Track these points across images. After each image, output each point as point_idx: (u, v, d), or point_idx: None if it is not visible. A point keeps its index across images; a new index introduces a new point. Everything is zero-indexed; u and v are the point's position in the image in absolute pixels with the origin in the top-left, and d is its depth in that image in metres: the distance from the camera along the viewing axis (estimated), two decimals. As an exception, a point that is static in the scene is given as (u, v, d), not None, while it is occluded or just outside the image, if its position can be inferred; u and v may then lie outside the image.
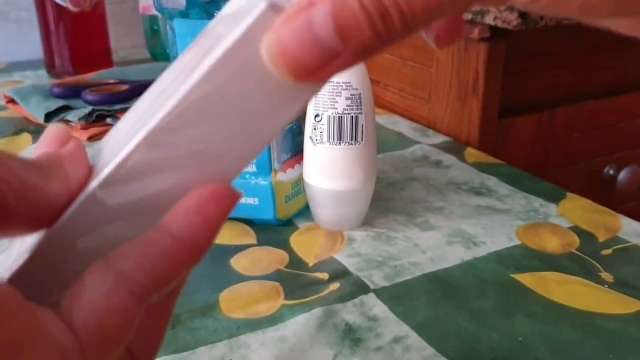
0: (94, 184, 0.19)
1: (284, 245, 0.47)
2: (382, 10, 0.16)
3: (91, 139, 0.70)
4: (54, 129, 0.21)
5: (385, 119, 0.76)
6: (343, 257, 0.45)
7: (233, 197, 0.19)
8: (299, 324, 0.38)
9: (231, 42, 0.18)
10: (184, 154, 0.19)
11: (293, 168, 0.50)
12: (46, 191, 0.18)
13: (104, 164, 0.19)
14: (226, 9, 0.21)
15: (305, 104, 0.20)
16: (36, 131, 0.73)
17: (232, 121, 0.19)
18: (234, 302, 0.40)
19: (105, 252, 0.18)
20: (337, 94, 0.45)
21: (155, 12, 0.99)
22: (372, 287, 0.41)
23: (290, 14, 0.17)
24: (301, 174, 0.49)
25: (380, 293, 0.41)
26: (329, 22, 0.16)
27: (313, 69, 0.17)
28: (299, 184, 0.50)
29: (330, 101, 0.45)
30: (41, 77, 0.98)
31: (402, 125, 0.73)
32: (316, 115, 0.46)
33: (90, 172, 0.20)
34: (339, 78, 0.44)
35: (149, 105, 0.20)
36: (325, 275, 0.43)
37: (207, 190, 0.18)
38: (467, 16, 0.65)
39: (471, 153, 0.64)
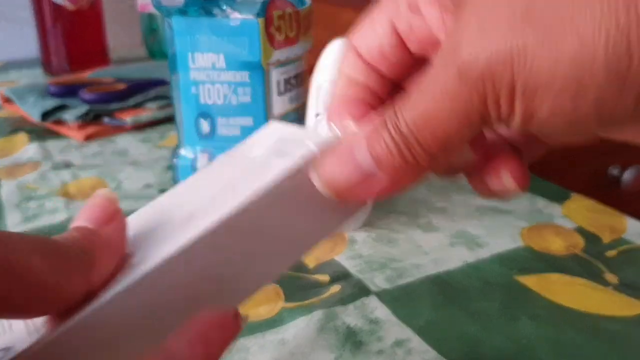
0: (117, 288, 0.18)
1: (284, 246, 0.46)
2: (403, 138, 0.19)
3: (88, 138, 0.70)
4: (101, 198, 0.20)
5: (386, 118, 0.75)
6: (344, 259, 0.44)
7: (237, 325, 0.20)
8: (299, 327, 0.37)
9: (282, 173, 0.20)
10: (216, 272, 0.20)
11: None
12: (65, 290, 0.17)
13: (130, 267, 0.19)
14: (261, 136, 0.23)
15: (340, 226, 0.22)
16: (32, 130, 0.72)
17: (265, 244, 0.20)
18: (232, 304, 0.39)
19: (111, 354, 0.18)
20: (338, 92, 0.44)
21: (153, 10, 0.99)
22: (373, 289, 0.40)
23: (337, 145, 0.21)
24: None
25: (382, 295, 0.40)
26: (365, 148, 0.20)
27: (352, 186, 0.20)
28: (298, 184, 0.50)
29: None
30: (38, 76, 0.98)
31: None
32: (317, 114, 0.45)
33: (122, 258, 0.19)
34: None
35: (191, 214, 0.20)
36: (326, 278, 0.42)
37: (213, 317, 0.19)
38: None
39: (473, 153, 0.64)
